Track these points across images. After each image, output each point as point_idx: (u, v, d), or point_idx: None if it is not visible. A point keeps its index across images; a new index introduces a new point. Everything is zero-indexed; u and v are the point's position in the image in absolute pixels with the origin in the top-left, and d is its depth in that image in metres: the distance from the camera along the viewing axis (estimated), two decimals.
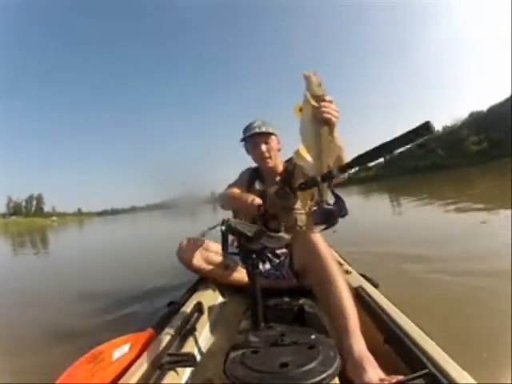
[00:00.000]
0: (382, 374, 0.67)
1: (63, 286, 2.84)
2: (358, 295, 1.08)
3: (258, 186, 1.45)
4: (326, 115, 0.75)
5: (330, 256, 0.95)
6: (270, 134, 1.42)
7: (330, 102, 0.77)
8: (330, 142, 0.77)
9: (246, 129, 1.44)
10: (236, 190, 1.41)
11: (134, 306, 2.01)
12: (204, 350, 0.97)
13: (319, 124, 0.76)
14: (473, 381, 0.60)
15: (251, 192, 1.42)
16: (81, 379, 0.71)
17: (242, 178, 1.57)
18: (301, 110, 0.78)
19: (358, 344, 0.75)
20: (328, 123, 0.77)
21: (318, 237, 1.01)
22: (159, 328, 0.94)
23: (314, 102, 0.75)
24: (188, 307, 1.08)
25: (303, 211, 1.42)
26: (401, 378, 0.63)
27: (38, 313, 2.12)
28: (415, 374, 0.63)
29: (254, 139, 1.41)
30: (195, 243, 1.31)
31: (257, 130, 1.38)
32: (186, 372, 0.81)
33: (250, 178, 1.53)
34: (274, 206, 1.34)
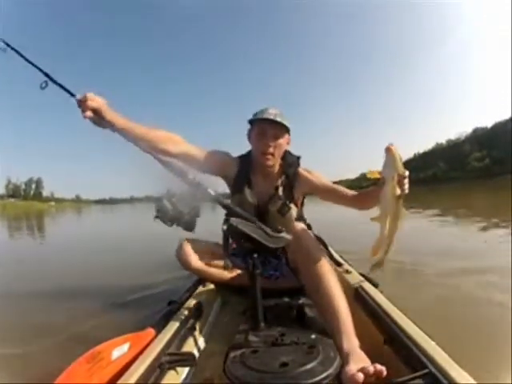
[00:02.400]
0: (365, 364, 0.65)
1: (61, 284, 2.82)
2: (358, 295, 1.07)
3: (249, 196, 1.25)
4: (405, 192, 0.84)
5: (321, 255, 0.93)
6: (286, 128, 1.21)
7: (406, 177, 0.85)
8: (403, 210, 0.87)
9: (259, 113, 1.20)
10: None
11: (133, 305, 2.00)
12: (204, 349, 0.97)
13: (398, 198, 0.86)
14: (473, 381, 0.60)
15: (242, 203, 1.21)
16: (80, 379, 0.71)
17: (223, 156, 1.30)
18: (374, 175, 0.91)
19: (349, 342, 0.74)
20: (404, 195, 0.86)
21: (308, 235, 0.99)
22: (159, 327, 0.94)
23: (395, 183, 0.85)
24: (188, 307, 1.08)
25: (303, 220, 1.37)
26: (378, 367, 0.62)
27: (37, 312, 2.11)
28: (415, 374, 0.63)
29: (263, 126, 1.18)
30: (194, 244, 1.30)
31: (271, 117, 1.15)
32: (186, 372, 0.80)
33: (239, 176, 1.28)
34: (275, 223, 1.25)
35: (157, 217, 0.94)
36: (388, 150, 0.85)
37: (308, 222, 1.50)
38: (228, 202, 0.94)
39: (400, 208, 0.86)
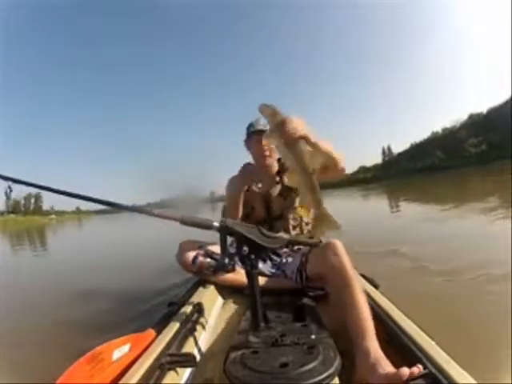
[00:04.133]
0: (393, 369, 0.67)
1: (63, 287, 2.83)
2: None
3: (255, 188, 1.46)
4: (292, 136, 0.82)
5: (349, 261, 0.96)
6: None
7: (289, 121, 0.83)
8: (312, 152, 0.86)
9: (252, 125, 1.45)
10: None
11: (134, 306, 2.01)
12: (204, 350, 0.97)
13: (293, 146, 0.83)
14: (473, 381, 0.60)
15: (251, 195, 1.45)
16: (80, 379, 0.71)
17: (235, 186, 1.48)
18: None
19: (374, 346, 0.76)
20: (299, 139, 0.84)
21: (340, 243, 1.01)
22: (159, 328, 0.94)
23: (275, 137, 0.85)
24: (188, 307, 1.08)
25: (306, 208, 1.44)
26: (420, 367, 0.62)
27: (37, 314, 2.12)
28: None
29: (257, 135, 1.41)
30: (194, 246, 1.30)
31: (262, 128, 1.39)
32: (186, 372, 0.80)
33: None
34: (279, 207, 1.40)
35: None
36: (260, 111, 0.87)
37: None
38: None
39: (304, 151, 0.83)
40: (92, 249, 6.78)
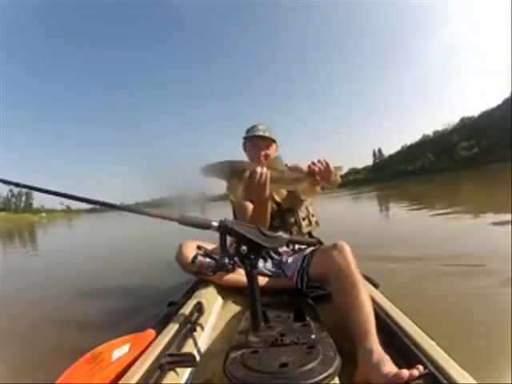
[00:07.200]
0: (396, 369, 0.67)
1: (61, 286, 2.83)
2: None
3: None
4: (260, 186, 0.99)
5: (355, 264, 0.96)
6: (273, 140, 1.47)
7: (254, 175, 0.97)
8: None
9: (251, 129, 1.48)
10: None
11: (133, 306, 2.01)
12: (204, 350, 0.97)
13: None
14: (473, 381, 0.60)
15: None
16: (80, 380, 0.71)
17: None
18: None
19: (377, 346, 0.76)
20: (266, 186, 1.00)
21: (347, 245, 1.01)
22: (159, 328, 0.94)
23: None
24: (188, 307, 1.08)
25: (311, 202, 1.51)
26: (420, 368, 0.62)
27: (36, 313, 2.12)
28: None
29: (255, 141, 1.46)
30: (193, 246, 1.30)
31: (261, 133, 1.44)
32: (186, 372, 0.80)
33: None
34: (287, 201, 1.40)
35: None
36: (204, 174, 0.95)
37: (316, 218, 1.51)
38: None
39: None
40: (85, 248, 6.79)
